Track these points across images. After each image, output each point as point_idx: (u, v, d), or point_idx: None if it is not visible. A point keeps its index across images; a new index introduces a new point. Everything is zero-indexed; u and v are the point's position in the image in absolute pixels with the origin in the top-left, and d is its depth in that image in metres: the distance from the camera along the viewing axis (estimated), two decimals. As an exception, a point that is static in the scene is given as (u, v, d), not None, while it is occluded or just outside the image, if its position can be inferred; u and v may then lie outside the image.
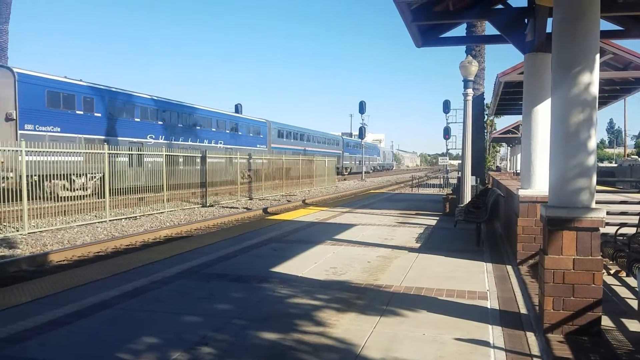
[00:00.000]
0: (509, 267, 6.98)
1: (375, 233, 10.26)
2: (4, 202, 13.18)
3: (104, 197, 16.51)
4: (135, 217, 17.21)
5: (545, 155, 6.54)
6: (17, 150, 13.82)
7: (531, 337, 4.21)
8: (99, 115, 22.78)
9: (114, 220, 16.15)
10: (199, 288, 5.76)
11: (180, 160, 22.04)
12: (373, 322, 4.55)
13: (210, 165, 23.76)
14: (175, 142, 27.45)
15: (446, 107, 41.39)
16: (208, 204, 22.05)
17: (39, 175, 15.16)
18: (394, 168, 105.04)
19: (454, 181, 29.76)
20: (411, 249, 8.35)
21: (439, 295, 5.50)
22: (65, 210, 16.31)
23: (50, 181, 16.84)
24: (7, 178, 13.64)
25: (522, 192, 7.03)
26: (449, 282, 6.04)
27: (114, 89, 24.28)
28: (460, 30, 17.58)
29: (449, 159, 41.78)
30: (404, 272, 6.63)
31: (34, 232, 13.17)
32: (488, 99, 24.23)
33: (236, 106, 44.18)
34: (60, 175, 15.95)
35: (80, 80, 22.30)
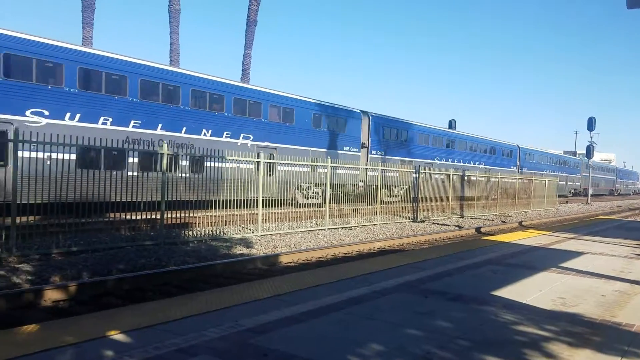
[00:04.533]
0: None
1: (608, 264, 9.22)
2: (247, 207, 15.06)
3: (324, 207, 17.73)
4: (351, 227, 18.09)
5: None
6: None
7: None
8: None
9: (332, 228, 17.20)
10: (418, 303, 5.83)
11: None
12: (614, 363, 4.10)
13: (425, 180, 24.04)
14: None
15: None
16: (418, 220, 22.15)
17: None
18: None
19: None
20: (656, 287, 7.31)
21: (697, 343, 4.72)
22: (289, 217, 17.92)
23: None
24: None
25: None
26: None
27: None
28: None
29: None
30: (648, 311, 5.84)
31: (265, 235, 14.71)
32: None
33: (450, 122, 43.91)
34: None
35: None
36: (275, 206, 17.11)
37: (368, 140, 28.90)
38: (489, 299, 6.12)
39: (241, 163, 15.30)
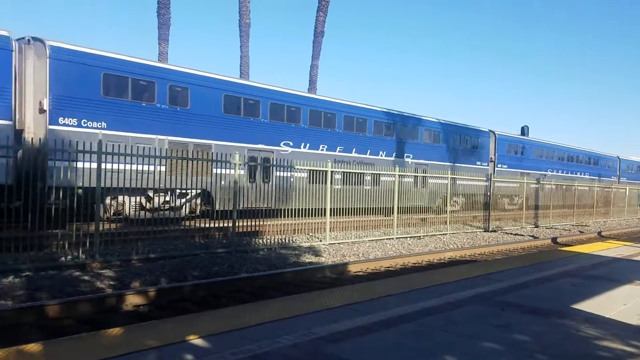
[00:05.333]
0: None
1: (701, 278, 8.60)
2: (315, 215, 15.26)
3: (392, 215, 17.61)
4: (419, 236, 17.85)
5: None
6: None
7: None
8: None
9: (400, 238, 17.03)
10: (493, 315, 5.67)
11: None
12: None
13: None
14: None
15: None
16: (490, 229, 21.54)
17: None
18: None
19: None
20: None
21: None
22: (357, 226, 17.93)
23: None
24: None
25: None
26: None
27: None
28: None
29: None
30: None
31: (333, 243, 14.78)
32: None
33: (522, 128, 42.53)
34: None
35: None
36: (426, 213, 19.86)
37: (494, 155, 33.18)
38: (569, 313, 5.86)
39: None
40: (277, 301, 6.19)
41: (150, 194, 14.82)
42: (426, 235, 18.18)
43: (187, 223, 12.87)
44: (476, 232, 20.68)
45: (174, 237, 12.45)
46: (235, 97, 19.57)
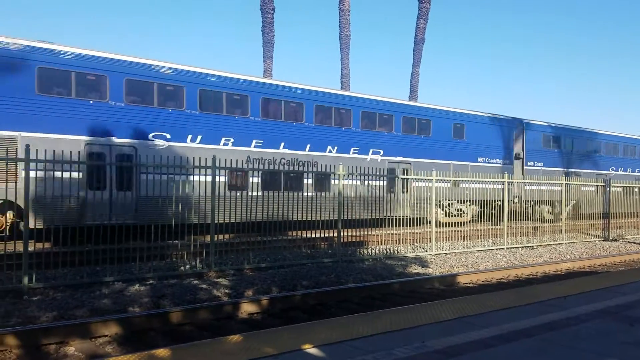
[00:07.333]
0: None
1: None
2: (420, 225, 15.06)
3: (502, 224, 16.93)
4: (532, 246, 16.98)
5: None
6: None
7: None
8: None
9: (511, 248, 16.31)
10: (622, 331, 5.27)
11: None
12: None
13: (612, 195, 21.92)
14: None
15: None
16: (611, 238, 20.02)
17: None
18: None
19: None
20: None
21: None
22: (464, 236, 17.41)
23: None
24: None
25: None
26: None
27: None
28: None
29: None
30: None
31: (440, 254, 14.46)
32: None
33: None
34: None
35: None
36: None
37: None
38: None
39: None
40: (388, 312, 6.17)
41: (556, 203, 22.01)
42: (539, 245, 17.26)
43: (293, 234, 13.18)
44: (594, 241, 19.33)
45: (282, 247, 12.81)
46: (581, 139, 30.01)
